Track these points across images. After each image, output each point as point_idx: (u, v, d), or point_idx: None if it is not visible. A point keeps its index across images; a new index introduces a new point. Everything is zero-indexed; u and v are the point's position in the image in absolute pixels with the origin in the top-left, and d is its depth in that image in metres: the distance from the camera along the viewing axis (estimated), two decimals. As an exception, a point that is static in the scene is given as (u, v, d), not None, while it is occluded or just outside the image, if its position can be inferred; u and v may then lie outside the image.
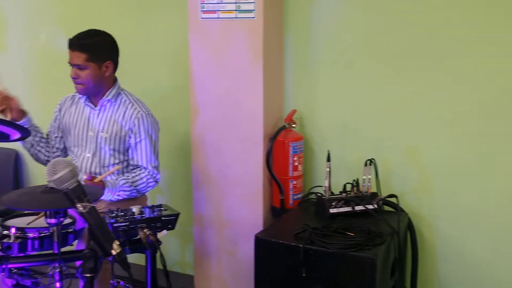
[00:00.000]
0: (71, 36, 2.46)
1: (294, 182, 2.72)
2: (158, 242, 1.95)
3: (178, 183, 3.17)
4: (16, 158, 3.51)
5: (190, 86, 2.77)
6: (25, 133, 1.84)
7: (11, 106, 2.39)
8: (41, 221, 2.09)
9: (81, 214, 1.51)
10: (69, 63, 2.46)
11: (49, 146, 2.56)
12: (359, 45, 2.67)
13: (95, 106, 2.53)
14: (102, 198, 2.30)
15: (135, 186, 2.42)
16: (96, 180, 2.30)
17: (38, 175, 3.64)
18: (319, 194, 2.58)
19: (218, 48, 2.66)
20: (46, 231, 1.99)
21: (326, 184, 2.49)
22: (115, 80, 2.56)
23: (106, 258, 1.54)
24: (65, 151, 2.67)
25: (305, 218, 2.48)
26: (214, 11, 2.63)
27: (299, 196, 2.77)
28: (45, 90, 3.56)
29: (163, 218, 1.96)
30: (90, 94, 2.51)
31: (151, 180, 2.48)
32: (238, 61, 2.63)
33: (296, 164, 2.70)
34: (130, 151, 2.51)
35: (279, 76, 2.81)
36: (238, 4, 2.56)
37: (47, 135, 2.62)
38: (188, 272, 3.24)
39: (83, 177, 2.38)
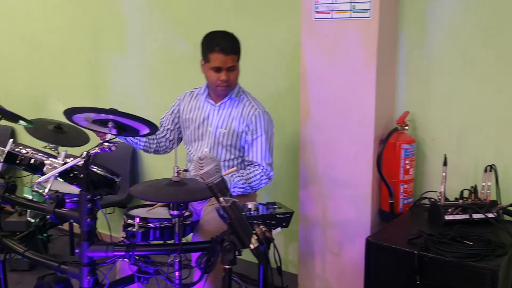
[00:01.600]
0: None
1: (405, 186, 2.65)
2: (272, 239, 1.99)
3: (284, 181, 3.20)
4: (133, 152, 3.73)
5: (301, 86, 2.79)
6: (154, 128, 1.95)
7: None
8: (160, 212, 2.21)
9: (223, 208, 1.56)
10: (222, 67, 2.46)
11: (150, 138, 2.67)
12: (481, 43, 2.54)
13: (215, 103, 2.61)
14: None
15: (249, 183, 2.47)
16: None
17: (153, 168, 3.83)
18: (432, 200, 2.49)
19: (330, 49, 2.65)
20: (166, 222, 2.10)
21: (442, 189, 2.39)
22: None
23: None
24: (173, 142, 2.75)
25: (417, 223, 2.40)
26: (328, 11, 2.62)
27: (410, 200, 2.69)
28: (160, 89, 3.73)
29: (278, 216, 1.99)
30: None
31: (264, 177, 2.52)
32: (351, 61, 2.60)
33: (407, 167, 2.63)
34: (246, 148, 2.57)
35: (391, 77, 2.75)
36: (353, 3, 2.53)
37: (160, 124, 2.73)
38: (291, 271, 3.26)
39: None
